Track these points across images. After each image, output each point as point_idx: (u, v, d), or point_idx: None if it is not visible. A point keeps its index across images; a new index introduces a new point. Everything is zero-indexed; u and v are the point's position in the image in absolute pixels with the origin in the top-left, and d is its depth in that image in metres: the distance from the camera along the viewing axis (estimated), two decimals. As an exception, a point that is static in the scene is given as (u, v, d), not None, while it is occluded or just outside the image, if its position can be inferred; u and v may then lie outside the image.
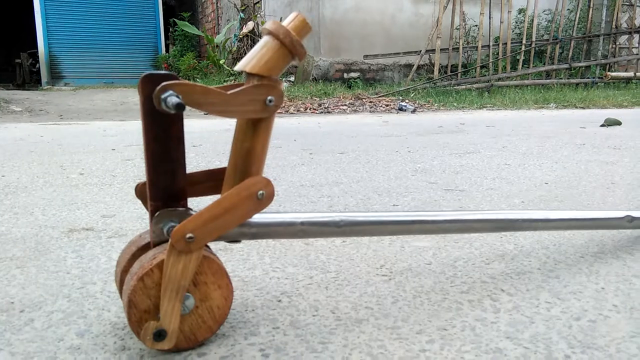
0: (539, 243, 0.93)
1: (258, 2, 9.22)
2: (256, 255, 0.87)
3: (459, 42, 6.97)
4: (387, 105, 5.80)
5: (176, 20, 8.14)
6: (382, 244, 0.93)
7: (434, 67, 6.88)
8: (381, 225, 0.69)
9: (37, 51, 10.69)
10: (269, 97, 0.57)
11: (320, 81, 7.39)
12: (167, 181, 0.56)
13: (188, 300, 0.55)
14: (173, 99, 0.49)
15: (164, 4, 11.78)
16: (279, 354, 0.56)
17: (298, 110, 5.46)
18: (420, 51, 6.82)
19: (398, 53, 7.06)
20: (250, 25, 7.50)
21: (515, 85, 6.87)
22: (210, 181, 0.63)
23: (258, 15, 7.77)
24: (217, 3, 10.85)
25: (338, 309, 0.67)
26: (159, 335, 0.52)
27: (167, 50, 11.19)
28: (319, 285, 0.74)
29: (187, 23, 7.94)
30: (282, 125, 3.76)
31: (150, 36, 11.49)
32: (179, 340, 0.55)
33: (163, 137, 0.54)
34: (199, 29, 10.37)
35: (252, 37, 7.54)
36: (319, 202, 1.24)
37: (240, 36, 7.58)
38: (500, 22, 6.79)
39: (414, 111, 5.40)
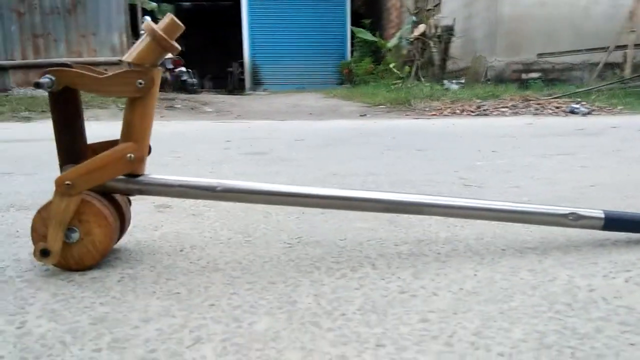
0: (481, 234, 0.90)
1: (437, 5, 9.17)
2: (213, 218, 1.03)
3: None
4: (557, 108, 5.30)
5: (353, 27, 8.58)
6: (331, 221, 1.00)
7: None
8: (256, 194, 0.79)
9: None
10: (139, 80, 0.73)
11: (493, 83, 7.04)
12: (68, 144, 0.76)
13: (74, 234, 0.74)
14: (40, 80, 0.68)
15: (353, 12, 12.45)
16: (132, 280, 0.72)
17: (454, 113, 5.34)
18: (608, 47, 6.04)
19: (580, 50, 6.37)
20: (421, 28, 7.53)
21: None
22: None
23: (431, 18, 7.75)
24: (400, 9, 11.07)
25: (212, 263, 0.79)
26: (44, 253, 0.73)
27: (352, 56, 11.79)
28: (227, 244, 0.88)
29: (362, 29, 8.31)
30: (413, 125, 3.78)
31: (338, 44, 12.27)
32: (70, 263, 0.75)
33: (63, 111, 0.75)
34: (382, 35, 10.73)
35: (423, 40, 7.55)
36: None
37: (411, 39, 7.67)
38: None
39: (586, 114, 4.85)
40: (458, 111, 5.38)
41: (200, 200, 1.14)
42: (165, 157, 1.94)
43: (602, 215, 0.83)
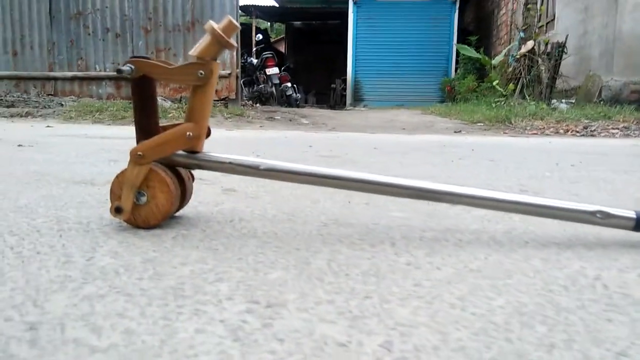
0: (511, 229, 0.92)
1: (550, 22, 8.75)
2: (267, 200, 1.14)
3: None
4: (679, 131, 4.84)
5: (457, 44, 8.46)
6: (372, 210, 1.07)
7: None
8: (295, 174, 0.89)
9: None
10: (200, 71, 0.87)
11: (607, 103, 6.58)
12: (143, 123, 0.92)
13: (143, 197, 0.89)
14: (122, 67, 0.84)
15: (462, 30, 12.25)
16: (183, 238, 0.85)
17: (557, 132, 5.08)
18: None
19: None
20: (529, 44, 7.23)
21: None
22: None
23: (541, 35, 7.42)
24: (510, 25, 10.72)
25: (253, 232, 0.90)
26: (118, 210, 0.88)
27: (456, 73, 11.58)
28: (270, 220, 0.98)
29: (465, 46, 8.17)
30: (503, 141, 3.68)
31: (442, 61, 12.12)
32: (139, 221, 0.90)
33: (141, 95, 0.90)
34: (490, 53, 10.45)
35: (531, 57, 7.25)
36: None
37: (518, 56, 7.39)
38: None
39: None
40: (562, 131, 5.11)
41: (260, 186, 1.26)
42: (246, 155, 2.11)
43: (634, 216, 0.82)
